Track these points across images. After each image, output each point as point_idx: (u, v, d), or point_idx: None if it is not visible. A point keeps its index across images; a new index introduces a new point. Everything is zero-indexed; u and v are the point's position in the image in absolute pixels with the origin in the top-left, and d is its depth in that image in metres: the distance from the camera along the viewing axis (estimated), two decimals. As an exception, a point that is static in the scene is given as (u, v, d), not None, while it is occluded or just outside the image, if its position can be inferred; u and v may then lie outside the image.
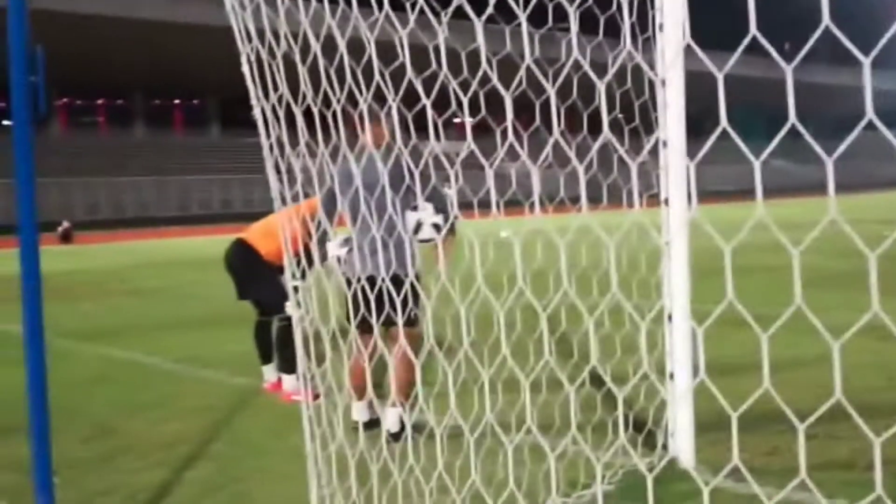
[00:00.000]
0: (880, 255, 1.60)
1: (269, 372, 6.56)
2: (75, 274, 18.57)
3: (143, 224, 45.07)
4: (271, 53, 3.26)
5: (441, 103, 2.88)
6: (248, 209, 40.77)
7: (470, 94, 2.77)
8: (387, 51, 2.95)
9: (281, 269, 5.98)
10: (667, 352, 4.23)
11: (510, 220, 2.95)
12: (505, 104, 2.65)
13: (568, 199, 3.73)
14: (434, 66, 2.79)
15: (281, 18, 3.20)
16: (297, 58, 3.16)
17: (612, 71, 2.58)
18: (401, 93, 2.97)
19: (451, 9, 2.77)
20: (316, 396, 3.75)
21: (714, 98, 1.71)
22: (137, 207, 49.33)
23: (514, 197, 3.21)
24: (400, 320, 3.85)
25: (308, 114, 3.24)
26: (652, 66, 3.95)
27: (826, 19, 1.47)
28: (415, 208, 4.77)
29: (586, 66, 2.59)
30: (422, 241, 4.83)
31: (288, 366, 6.26)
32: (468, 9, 2.79)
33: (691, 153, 3.14)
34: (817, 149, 1.56)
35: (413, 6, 2.87)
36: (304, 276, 3.87)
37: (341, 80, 3.00)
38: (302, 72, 3.20)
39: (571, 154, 2.75)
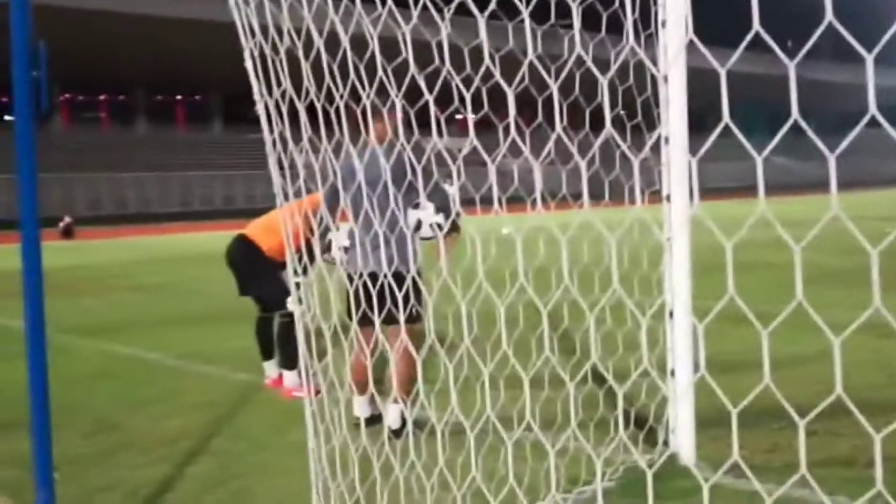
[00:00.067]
0: (881, 252, 1.60)
1: (271, 368, 6.56)
2: (77, 269, 18.58)
3: (145, 220, 45.08)
4: (274, 49, 3.26)
5: (444, 100, 2.88)
6: (250, 205, 40.77)
7: (472, 90, 2.77)
8: (389, 47, 2.95)
9: (283, 265, 5.98)
10: (668, 348, 4.23)
11: (512, 216, 2.95)
12: (507, 100, 2.65)
13: (570, 195, 3.73)
14: (437, 62, 2.79)
15: (284, 14, 3.20)
16: (301, 53, 3.16)
17: (614, 67, 2.57)
18: (403, 89, 2.97)
19: (453, 5, 2.77)
20: (317, 392, 3.76)
21: (716, 94, 1.71)
22: (139, 203, 49.35)
23: (517, 193, 3.21)
24: (402, 317, 3.86)
25: (311, 109, 3.24)
26: (654, 63, 3.95)
27: (829, 15, 1.47)
28: (416, 206, 4.77)
29: (589, 63, 2.59)
30: (423, 239, 4.84)
31: (289, 362, 6.27)
32: (471, 5, 2.79)
33: (693, 149, 3.14)
34: (820, 145, 1.56)
35: (416, 2, 2.87)
36: (305, 271, 3.88)
37: (344, 76, 3.00)
38: (305, 68, 3.20)
39: (574, 150, 2.75)
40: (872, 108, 1.42)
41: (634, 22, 3.63)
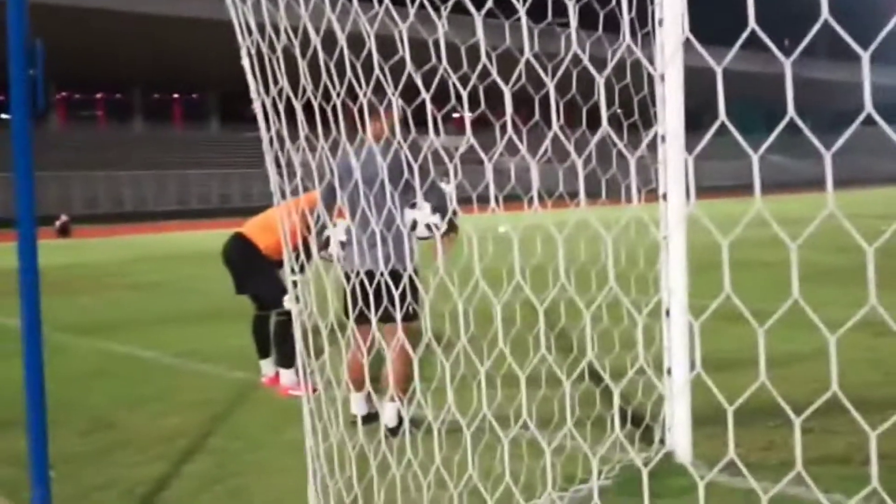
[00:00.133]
0: (877, 249, 1.60)
1: (267, 366, 6.56)
2: (74, 268, 18.56)
3: (142, 218, 45.07)
4: (271, 47, 3.26)
5: (441, 98, 2.88)
6: (247, 203, 40.77)
7: (469, 88, 2.77)
8: (386, 45, 2.95)
9: (279, 264, 5.98)
10: (664, 347, 4.23)
11: (509, 215, 2.96)
12: (504, 99, 2.65)
13: (567, 193, 3.73)
14: (434, 60, 2.78)
15: (281, 12, 3.20)
16: (298, 52, 3.16)
17: (610, 65, 2.57)
18: (400, 87, 2.97)
19: (450, 3, 2.77)
20: (314, 391, 3.75)
21: (712, 93, 1.71)
22: (136, 201, 49.33)
23: (514, 192, 3.21)
24: (398, 315, 3.86)
25: (308, 108, 3.24)
26: (651, 61, 3.95)
27: (825, 13, 1.48)
28: (413, 205, 4.77)
29: (586, 61, 2.59)
30: (419, 238, 4.84)
31: (286, 360, 6.27)
32: (468, 3, 2.79)
33: (690, 148, 3.14)
34: (816, 143, 1.57)
35: (413, 1, 2.87)
36: (302, 269, 3.87)
37: (341, 75, 3.00)
38: (302, 66, 3.20)
39: (570, 148, 2.75)
40: (868, 106, 1.42)
41: (631, 20, 3.63)
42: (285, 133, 3.39)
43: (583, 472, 3.92)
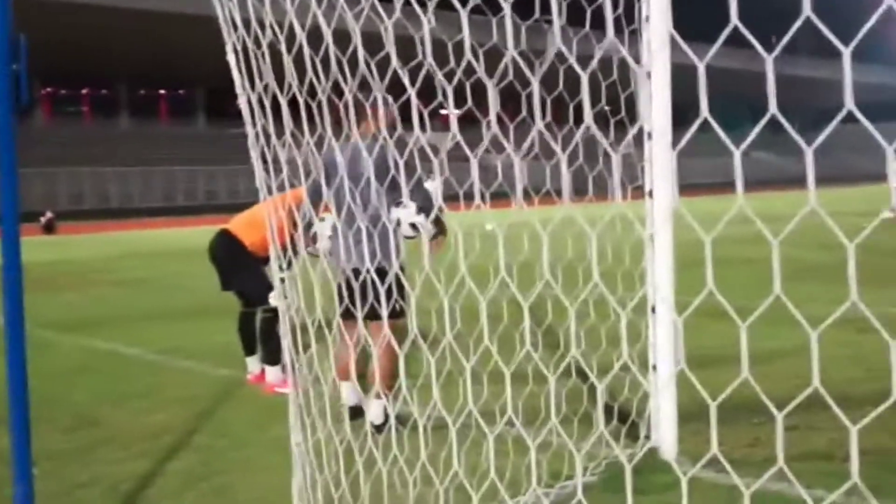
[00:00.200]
0: (859, 246, 1.61)
1: (253, 363, 6.55)
2: (58, 264, 18.47)
3: (128, 215, 44.88)
4: (256, 43, 3.24)
5: (427, 94, 2.88)
6: (233, 200, 40.62)
7: (454, 84, 2.77)
8: (373, 42, 2.94)
9: (266, 260, 5.97)
10: (650, 343, 4.24)
11: (495, 212, 2.96)
12: (493, 96, 2.65)
13: (553, 190, 3.74)
14: (420, 56, 2.78)
15: (266, 7, 3.19)
16: (283, 48, 3.15)
17: (594, 61, 2.58)
18: (385, 82, 2.96)
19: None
20: (298, 388, 3.75)
21: (698, 90, 1.72)
22: (122, 198, 49.13)
23: (500, 189, 3.21)
24: (384, 312, 3.85)
25: (294, 104, 3.23)
26: (638, 59, 3.96)
27: (807, 10, 1.48)
28: (398, 204, 4.77)
29: (571, 59, 2.59)
30: (404, 237, 4.85)
31: (271, 357, 6.25)
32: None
33: (676, 145, 3.15)
34: (797, 139, 1.57)
35: (398, -3, 2.86)
36: (290, 266, 3.86)
37: (327, 71, 2.99)
38: (287, 62, 3.19)
39: (555, 145, 2.76)
40: (849, 104, 1.43)
41: (618, 17, 3.64)
42: (271, 129, 3.38)
43: (569, 469, 3.93)
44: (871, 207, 25.11)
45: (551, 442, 3.87)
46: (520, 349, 2.91)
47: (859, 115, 1.47)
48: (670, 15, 3.94)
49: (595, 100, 2.40)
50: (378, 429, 4.82)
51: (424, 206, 4.78)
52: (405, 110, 3.08)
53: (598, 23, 3.85)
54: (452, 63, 2.91)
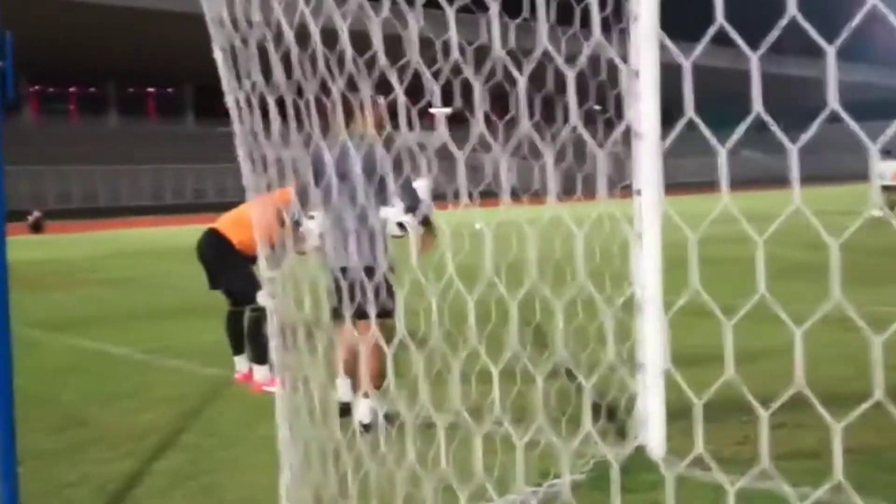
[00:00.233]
0: (845, 245, 1.61)
1: (241, 362, 6.53)
2: (46, 263, 18.38)
3: (116, 213, 44.68)
4: (244, 41, 3.23)
5: (416, 93, 2.87)
6: (221, 198, 40.47)
7: (442, 83, 2.76)
8: (360, 40, 2.93)
9: (253, 259, 5.95)
10: (638, 342, 4.25)
11: (484, 211, 2.95)
12: (480, 95, 2.64)
13: (543, 189, 3.73)
14: (408, 55, 2.77)
15: (254, 5, 3.18)
16: (271, 46, 3.14)
17: (581, 60, 2.57)
18: (373, 81, 2.95)
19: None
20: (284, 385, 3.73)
21: (694, 89, 1.72)
22: (110, 196, 48.91)
23: (490, 188, 3.21)
24: (372, 311, 3.84)
25: (282, 103, 3.22)
26: (626, 58, 3.96)
27: (793, 9, 1.48)
28: (386, 203, 4.76)
29: (559, 59, 2.59)
30: (391, 236, 4.84)
31: (259, 356, 6.24)
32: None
33: (665, 143, 3.15)
34: (782, 138, 1.57)
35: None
36: (278, 265, 3.85)
37: (315, 70, 2.98)
38: (275, 60, 3.18)
39: (542, 145, 2.75)
40: (832, 103, 1.43)
41: (607, 16, 3.64)
42: (259, 128, 3.37)
43: (557, 468, 3.93)
44: (859, 206, 25.21)
45: (539, 441, 3.87)
46: (508, 348, 2.90)
47: (843, 115, 1.47)
48: (658, 14, 3.94)
49: (584, 99, 2.40)
50: (366, 428, 4.82)
51: (412, 206, 4.77)
52: (393, 109, 3.07)
53: (589, 22, 3.85)
54: (441, 62, 2.90)
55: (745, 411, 4.37)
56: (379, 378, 4.83)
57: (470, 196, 2.83)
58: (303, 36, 3.02)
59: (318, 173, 4.20)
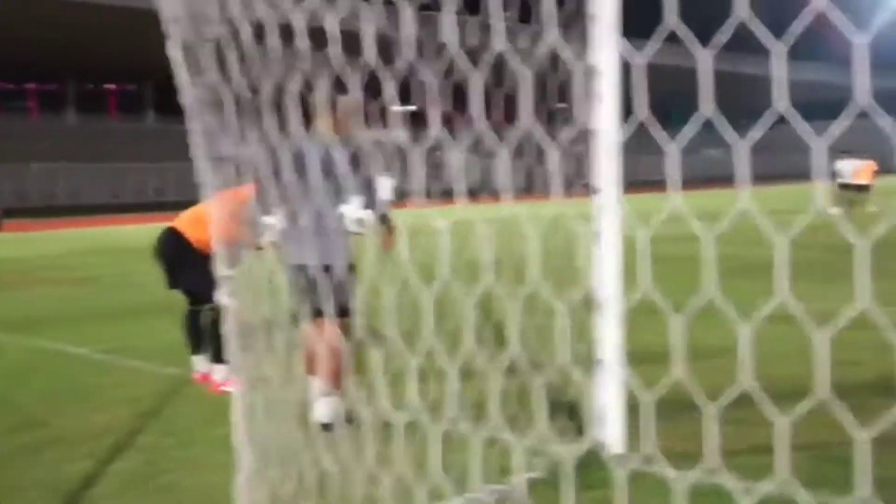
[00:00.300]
0: (805, 244, 1.63)
1: (199, 362, 6.47)
2: (3, 262, 18.10)
3: (76, 211, 44.07)
4: (202, 38, 3.20)
5: (376, 93, 2.86)
6: (182, 197, 40.13)
7: (399, 81, 2.75)
8: (318, 37, 2.92)
9: (212, 258, 5.89)
10: (596, 339, 4.27)
11: (444, 209, 2.95)
12: (441, 94, 2.64)
13: (503, 188, 3.74)
14: (366, 55, 2.76)
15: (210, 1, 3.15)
16: (230, 44, 3.11)
17: (535, 58, 2.58)
18: (330, 79, 2.94)
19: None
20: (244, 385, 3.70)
21: (655, 88, 1.73)
22: (69, 194, 48.24)
23: (450, 186, 3.20)
24: (331, 310, 3.83)
25: (240, 101, 3.20)
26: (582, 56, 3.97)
27: (745, 11, 1.50)
28: (345, 201, 4.74)
29: (516, 56, 2.59)
30: (350, 233, 4.82)
31: (218, 355, 6.18)
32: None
33: (627, 142, 3.17)
34: (728, 137, 1.59)
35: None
36: (236, 264, 3.81)
37: (274, 68, 2.96)
38: (232, 58, 3.15)
39: (495, 143, 2.76)
40: (779, 104, 1.45)
41: (568, 15, 3.65)
42: (217, 126, 3.34)
43: (516, 465, 3.94)
44: (801, 205, 25.52)
45: (498, 438, 3.88)
46: (466, 346, 2.91)
47: (787, 116, 1.49)
48: (619, 12, 3.97)
49: (546, 97, 2.41)
50: (325, 427, 4.80)
51: (369, 203, 4.76)
52: (354, 108, 3.06)
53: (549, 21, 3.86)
54: (400, 61, 2.90)
55: (699, 408, 4.41)
56: (339, 377, 4.82)
57: (428, 194, 2.83)
58: (262, 35, 3.00)
59: (279, 171, 4.18)
